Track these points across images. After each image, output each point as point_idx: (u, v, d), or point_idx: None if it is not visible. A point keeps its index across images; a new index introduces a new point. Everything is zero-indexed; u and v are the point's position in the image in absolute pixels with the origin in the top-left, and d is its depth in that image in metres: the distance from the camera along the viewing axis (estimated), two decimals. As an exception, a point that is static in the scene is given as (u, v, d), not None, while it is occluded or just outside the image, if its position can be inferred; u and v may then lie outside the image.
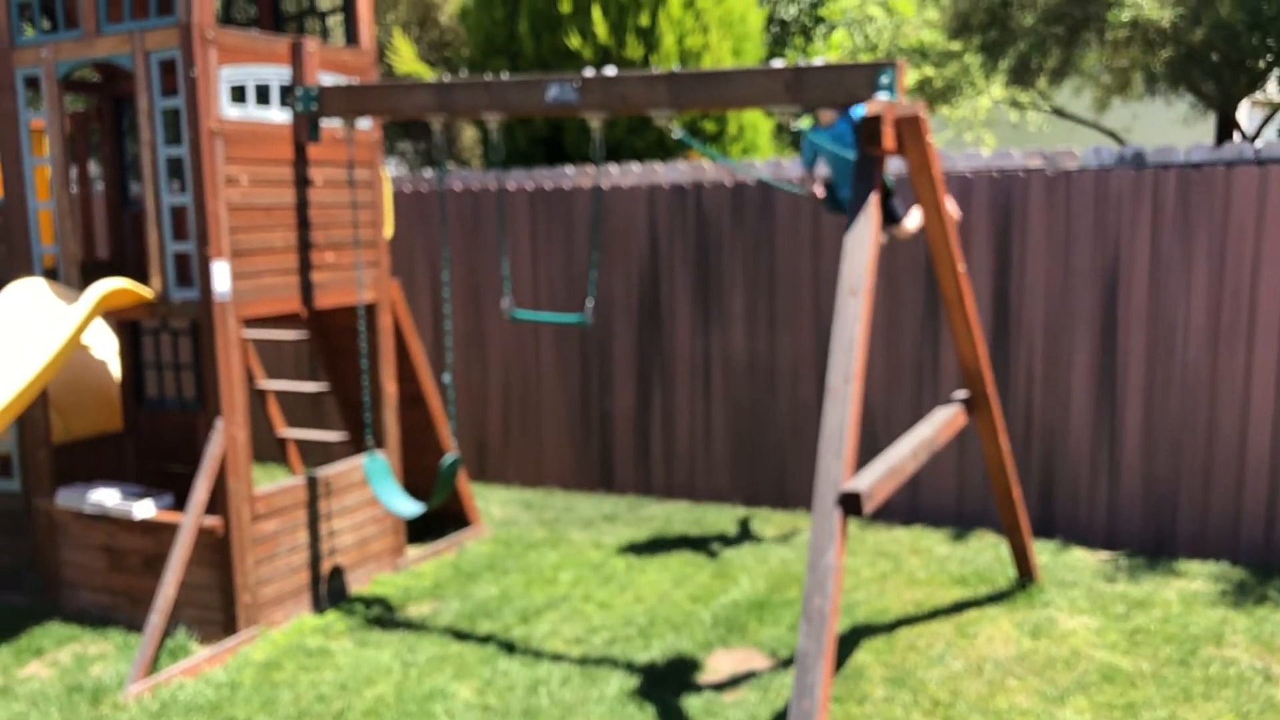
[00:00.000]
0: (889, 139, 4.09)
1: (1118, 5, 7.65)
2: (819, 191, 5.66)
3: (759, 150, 9.44)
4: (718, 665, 4.86)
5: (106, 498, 5.45)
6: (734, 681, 4.70)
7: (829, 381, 3.85)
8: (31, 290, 5.25)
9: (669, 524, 6.87)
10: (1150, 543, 6.18)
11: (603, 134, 5.53)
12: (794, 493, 7.04)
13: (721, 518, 6.95)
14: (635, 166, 7.31)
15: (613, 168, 7.38)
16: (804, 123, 5.71)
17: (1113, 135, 12.77)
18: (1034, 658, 4.85)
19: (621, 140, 8.73)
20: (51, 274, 5.53)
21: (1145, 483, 6.16)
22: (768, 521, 6.86)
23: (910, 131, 4.20)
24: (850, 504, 3.67)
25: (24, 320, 5.06)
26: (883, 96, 4.16)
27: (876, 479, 3.85)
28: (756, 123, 9.41)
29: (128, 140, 6.73)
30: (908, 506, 6.75)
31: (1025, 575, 5.65)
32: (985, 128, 13.49)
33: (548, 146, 9.16)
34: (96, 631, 5.39)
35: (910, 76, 10.51)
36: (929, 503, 6.71)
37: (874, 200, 4.07)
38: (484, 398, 7.91)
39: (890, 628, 5.21)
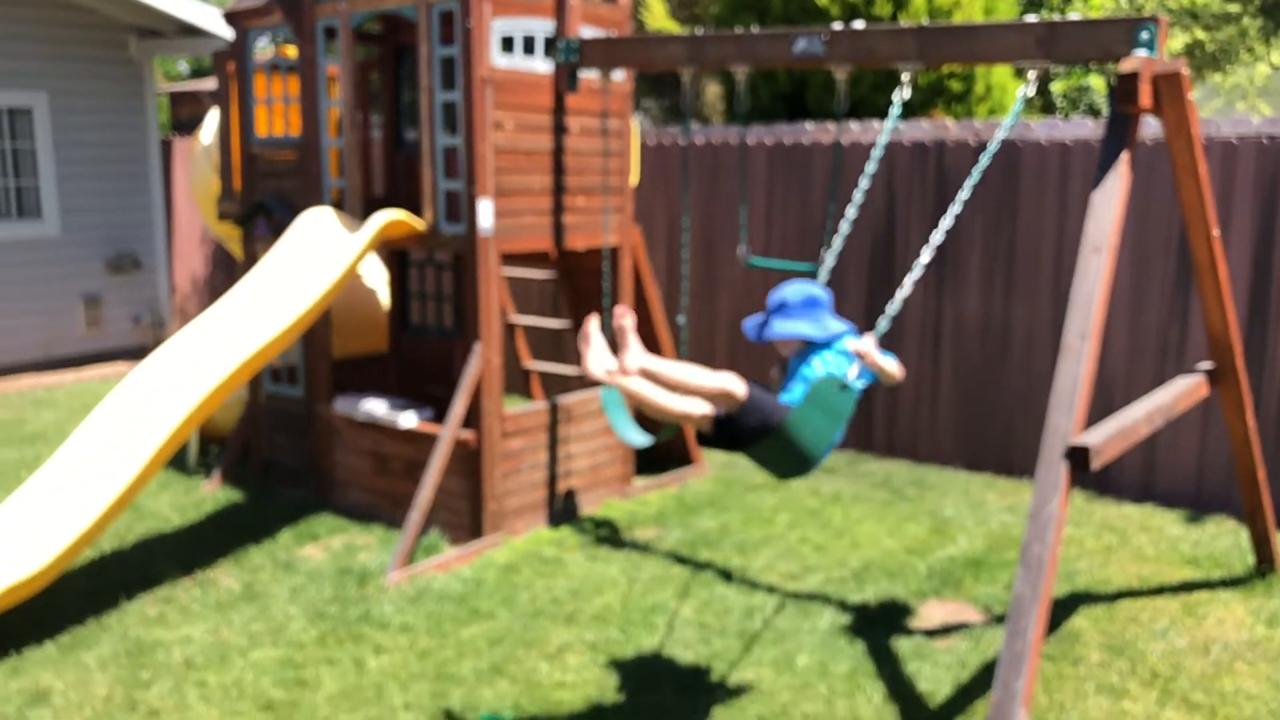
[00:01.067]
0: (1145, 96, 3.99)
1: None
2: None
3: (1006, 111, 9.20)
4: (930, 614, 4.96)
5: (377, 407, 6.08)
6: (945, 630, 4.79)
7: (1065, 337, 3.85)
8: (321, 218, 5.89)
9: (888, 480, 6.94)
10: None
11: (847, 88, 5.59)
12: (1020, 462, 6.93)
13: (942, 479, 6.96)
14: (876, 124, 7.32)
15: (853, 124, 7.42)
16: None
17: None
18: (1268, 645, 4.67)
19: (864, 97, 8.73)
20: (337, 205, 6.17)
21: None
22: (990, 487, 6.81)
23: (1169, 89, 4.08)
24: (1078, 458, 3.67)
25: (316, 244, 5.70)
26: (1141, 53, 4.07)
27: (1107, 436, 3.83)
28: (1005, 83, 9.18)
29: (404, 88, 7.36)
30: (1141, 484, 6.54)
31: (1265, 563, 5.39)
32: (1261, 97, 12.49)
33: (789, 103, 9.27)
34: (362, 526, 6.04)
35: (1178, 40, 9.90)
36: (1164, 482, 6.47)
37: (1125, 158, 4.01)
38: (711, 345, 8.17)
39: (1111, 598, 5.13)
